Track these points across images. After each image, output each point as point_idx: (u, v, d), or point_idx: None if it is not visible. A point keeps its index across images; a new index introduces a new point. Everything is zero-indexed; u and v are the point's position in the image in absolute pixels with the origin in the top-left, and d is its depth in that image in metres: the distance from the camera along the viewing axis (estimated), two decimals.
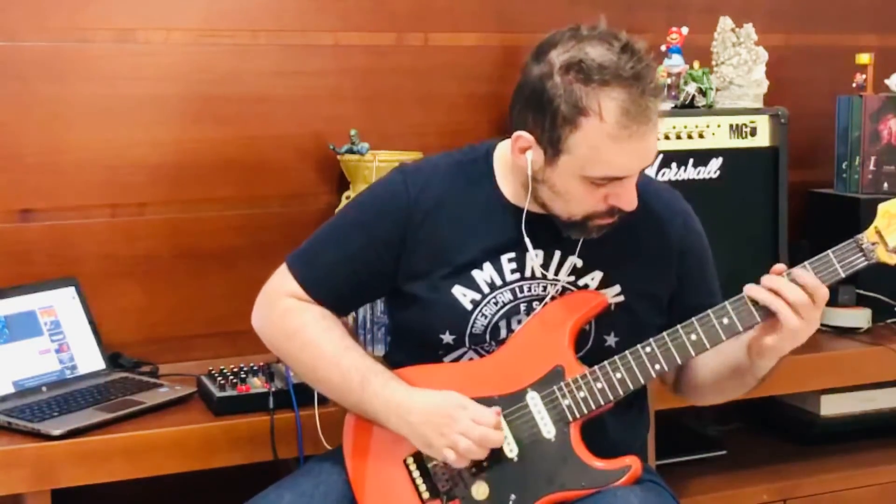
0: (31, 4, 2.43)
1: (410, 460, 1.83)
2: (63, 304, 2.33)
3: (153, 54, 2.53)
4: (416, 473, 1.82)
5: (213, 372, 2.25)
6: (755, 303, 1.74)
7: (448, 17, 2.78)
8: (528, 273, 1.85)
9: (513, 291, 1.86)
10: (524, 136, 1.75)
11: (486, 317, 1.85)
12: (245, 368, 2.26)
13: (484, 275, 1.85)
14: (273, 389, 2.15)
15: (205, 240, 2.60)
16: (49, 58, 2.45)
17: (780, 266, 1.74)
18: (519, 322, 1.85)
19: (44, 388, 2.22)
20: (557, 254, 1.85)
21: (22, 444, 2.01)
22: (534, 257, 1.83)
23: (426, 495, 1.82)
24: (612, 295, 1.86)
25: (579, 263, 1.85)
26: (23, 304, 2.27)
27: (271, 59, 2.63)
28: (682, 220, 1.92)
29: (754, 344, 1.77)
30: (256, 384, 2.20)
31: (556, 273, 1.85)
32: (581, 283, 1.86)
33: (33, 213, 2.46)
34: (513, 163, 1.82)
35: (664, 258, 1.90)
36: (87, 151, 2.48)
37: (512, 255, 1.85)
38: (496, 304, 1.85)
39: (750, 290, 1.74)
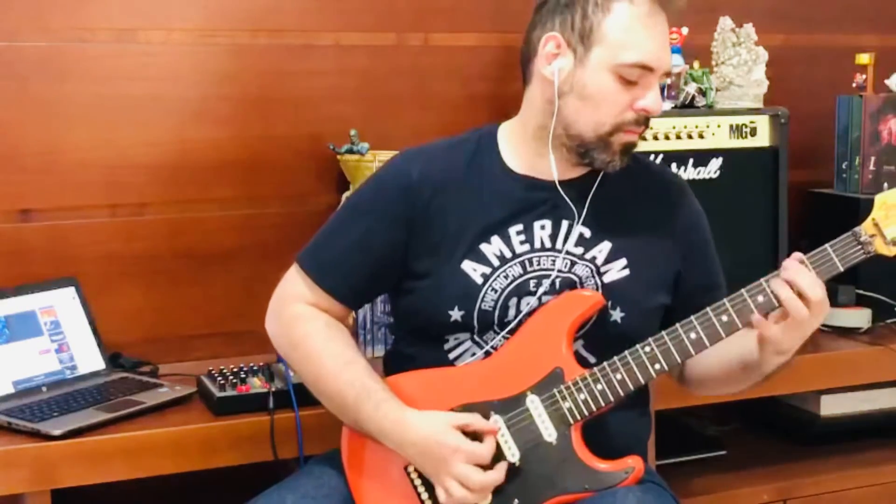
0: (31, 4, 2.43)
1: (412, 468, 1.81)
2: (63, 304, 2.33)
3: (153, 54, 2.53)
4: (417, 481, 1.81)
5: (213, 372, 2.25)
6: (753, 298, 1.74)
7: (448, 17, 2.78)
8: (537, 244, 1.85)
9: (523, 265, 1.84)
10: (555, 37, 1.79)
11: (496, 291, 1.83)
12: (245, 368, 2.25)
13: (493, 248, 1.84)
14: (273, 389, 2.15)
15: (205, 240, 2.59)
16: (49, 58, 2.45)
17: (797, 255, 1.74)
18: (528, 304, 1.84)
19: (44, 388, 2.22)
20: (564, 223, 1.85)
21: (22, 444, 2.01)
22: (572, 210, 1.84)
23: (428, 503, 1.80)
24: (619, 268, 1.86)
25: (587, 233, 1.85)
26: (23, 304, 2.27)
27: (271, 59, 2.63)
28: (685, 199, 1.96)
29: (763, 335, 1.76)
30: (256, 384, 2.19)
31: (564, 244, 1.85)
32: (589, 255, 1.85)
33: (33, 212, 2.46)
34: (524, 122, 1.87)
35: (669, 235, 1.91)
36: (86, 151, 2.48)
37: (520, 227, 1.85)
38: (506, 277, 1.84)
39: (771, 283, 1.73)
